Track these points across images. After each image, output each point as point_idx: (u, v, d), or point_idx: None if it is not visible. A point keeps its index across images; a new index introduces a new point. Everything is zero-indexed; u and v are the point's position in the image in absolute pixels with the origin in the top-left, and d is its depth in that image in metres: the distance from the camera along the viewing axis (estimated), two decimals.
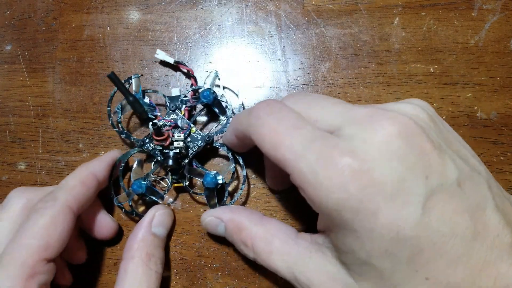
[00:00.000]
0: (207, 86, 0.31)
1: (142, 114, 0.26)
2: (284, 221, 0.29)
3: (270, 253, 0.25)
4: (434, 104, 0.31)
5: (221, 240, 0.32)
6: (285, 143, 0.20)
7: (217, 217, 0.29)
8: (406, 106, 0.21)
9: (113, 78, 0.25)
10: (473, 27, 0.32)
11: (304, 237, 0.25)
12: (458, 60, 0.31)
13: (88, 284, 0.32)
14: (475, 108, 0.31)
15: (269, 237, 0.26)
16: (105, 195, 0.32)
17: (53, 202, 0.26)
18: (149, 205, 0.32)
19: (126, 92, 0.25)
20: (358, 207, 0.18)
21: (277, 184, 0.31)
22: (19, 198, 0.28)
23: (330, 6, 0.33)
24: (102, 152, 0.34)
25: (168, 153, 0.30)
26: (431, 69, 0.32)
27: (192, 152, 0.31)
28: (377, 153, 0.19)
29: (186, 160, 0.31)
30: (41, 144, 0.34)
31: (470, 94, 0.31)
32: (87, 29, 0.35)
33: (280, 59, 0.33)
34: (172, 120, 0.31)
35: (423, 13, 0.32)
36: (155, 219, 0.30)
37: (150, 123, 0.28)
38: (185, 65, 0.33)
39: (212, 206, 0.30)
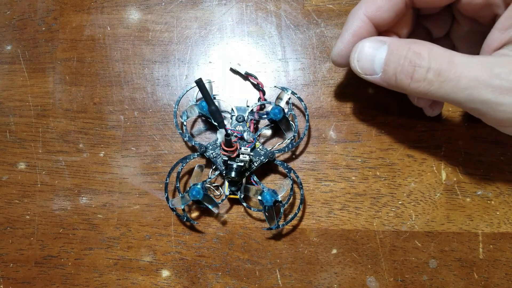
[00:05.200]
0: (279, 103, 0.31)
1: (220, 125, 0.26)
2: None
3: (454, 56, 0.22)
4: None
5: (221, 240, 0.32)
6: None
7: (379, 40, 0.25)
8: None
9: (201, 84, 0.25)
10: None
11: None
12: None
13: (88, 283, 0.32)
14: None
15: (448, 50, 0.23)
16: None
17: None
18: (202, 211, 0.32)
19: (210, 100, 0.25)
20: None
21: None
22: None
23: (331, 6, 0.33)
24: (103, 153, 0.34)
25: (232, 165, 0.29)
26: None
27: (254, 167, 0.31)
28: None
29: (247, 174, 0.30)
30: (41, 144, 0.34)
31: None
32: (88, 29, 0.35)
33: (280, 59, 0.33)
34: (240, 132, 0.31)
35: None
36: None
37: (222, 133, 0.28)
38: (255, 77, 0.32)
39: (272, 224, 0.30)
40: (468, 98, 0.22)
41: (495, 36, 0.23)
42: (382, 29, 0.27)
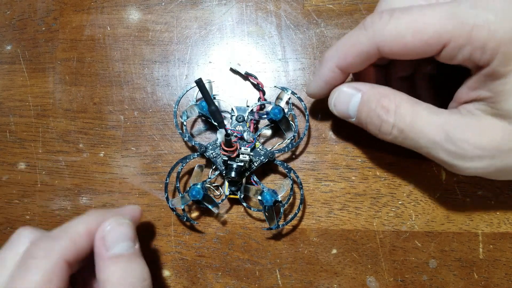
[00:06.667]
0: (279, 103, 0.31)
1: (220, 125, 0.26)
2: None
3: (417, 114, 0.24)
4: None
5: (221, 240, 0.32)
6: (431, 20, 0.21)
7: (354, 88, 0.26)
8: None
9: (201, 84, 0.25)
10: None
11: (450, 109, 0.24)
12: None
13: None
14: None
15: (416, 102, 0.24)
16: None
17: (47, 252, 0.22)
18: (202, 211, 0.32)
19: (210, 100, 0.26)
20: None
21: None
22: (24, 238, 0.25)
23: (330, 6, 0.33)
24: (103, 153, 0.34)
25: (232, 165, 0.29)
26: None
27: (254, 167, 0.31)
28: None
29: (247, 174, 0.31)
30: (41, 144, 0.34)
31: None
32: (87, 29, 0.35)
33: (280, 59, 0.33)
34: (240, 132, 0.31)
35: None
36: (109, 235, 0.24)
37: (222, 133, 0.28)
38: (255, 77, 0.32)
39: (272, 224, 0.30)
40: (428, 155, 0.24)
41: (464, 91, 0.24)
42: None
